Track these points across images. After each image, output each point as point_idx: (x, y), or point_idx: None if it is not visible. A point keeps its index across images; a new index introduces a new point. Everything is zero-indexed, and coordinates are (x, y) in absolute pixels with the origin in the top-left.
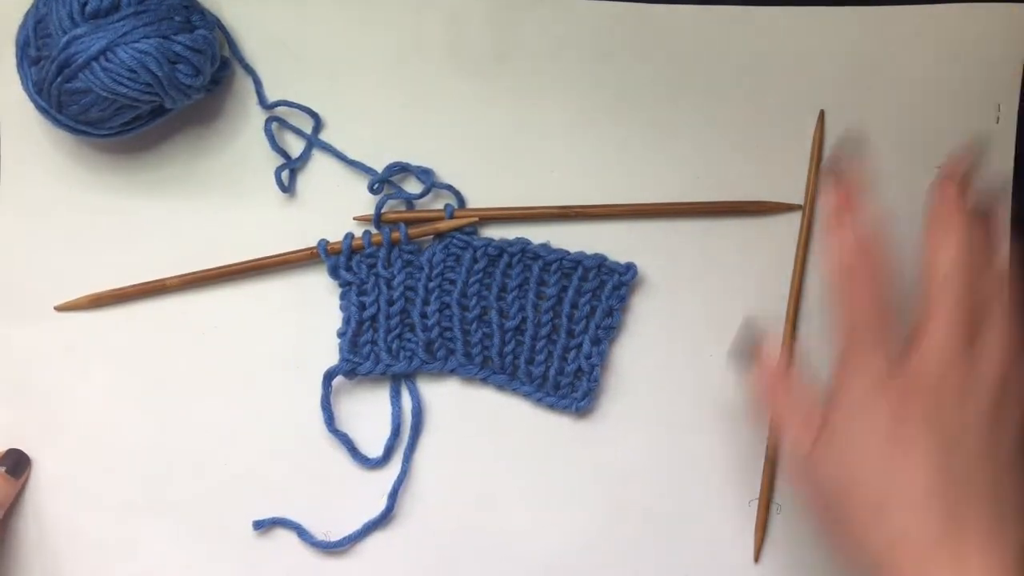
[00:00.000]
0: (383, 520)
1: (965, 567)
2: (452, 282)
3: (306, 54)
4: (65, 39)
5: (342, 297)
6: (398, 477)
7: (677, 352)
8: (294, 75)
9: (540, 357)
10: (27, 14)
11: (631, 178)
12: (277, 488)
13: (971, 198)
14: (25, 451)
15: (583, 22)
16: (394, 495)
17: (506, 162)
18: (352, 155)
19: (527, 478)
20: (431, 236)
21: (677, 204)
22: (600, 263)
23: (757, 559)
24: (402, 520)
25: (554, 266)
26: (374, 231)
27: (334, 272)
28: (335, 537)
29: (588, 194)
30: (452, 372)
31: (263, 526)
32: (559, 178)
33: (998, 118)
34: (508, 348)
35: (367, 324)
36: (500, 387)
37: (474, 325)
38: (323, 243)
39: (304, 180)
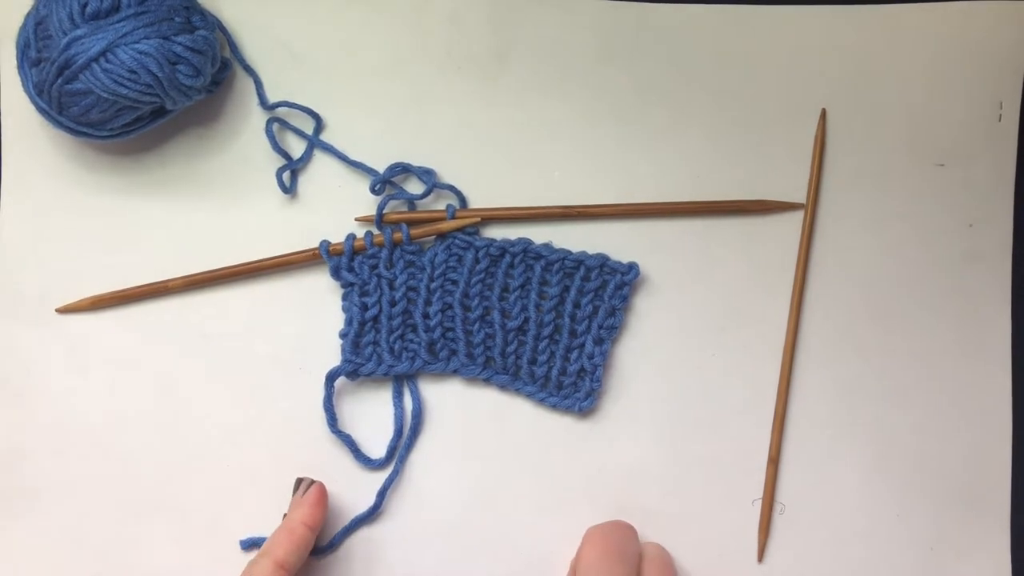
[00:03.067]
0: (370, 517)
1: None
2: (454, 282)
3: (307, 55)
4: (65, 40)
5: (344, 298)
6: (389, 476)
7: (680, 351)
8: (295, 76)
9: (543, 357)
10: (27, 16)
11: (633, 178)
12: (279, 489)
13: None
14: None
15: (583, 22)
16: (383, 493)
17: (508, 162)
18: (353, 156)
19: (530, 478)
20: (433, 236)
21: (679, 204)
22: (602, 263)
23: (760, 559)
24: (404, 520)
25: (556, 266)
26: (376, 232)
27: (336, 273)
28: (324, 538)
29: (590, 194)
30: (455, 373)
31: (248, 546)
32: (561, 178)
33: (1000, 116)
34: (511, 348)
35: (369, 325)
36: (503, 387)
37: (476, 325)
38: (325, 244)
39: (305, 181)
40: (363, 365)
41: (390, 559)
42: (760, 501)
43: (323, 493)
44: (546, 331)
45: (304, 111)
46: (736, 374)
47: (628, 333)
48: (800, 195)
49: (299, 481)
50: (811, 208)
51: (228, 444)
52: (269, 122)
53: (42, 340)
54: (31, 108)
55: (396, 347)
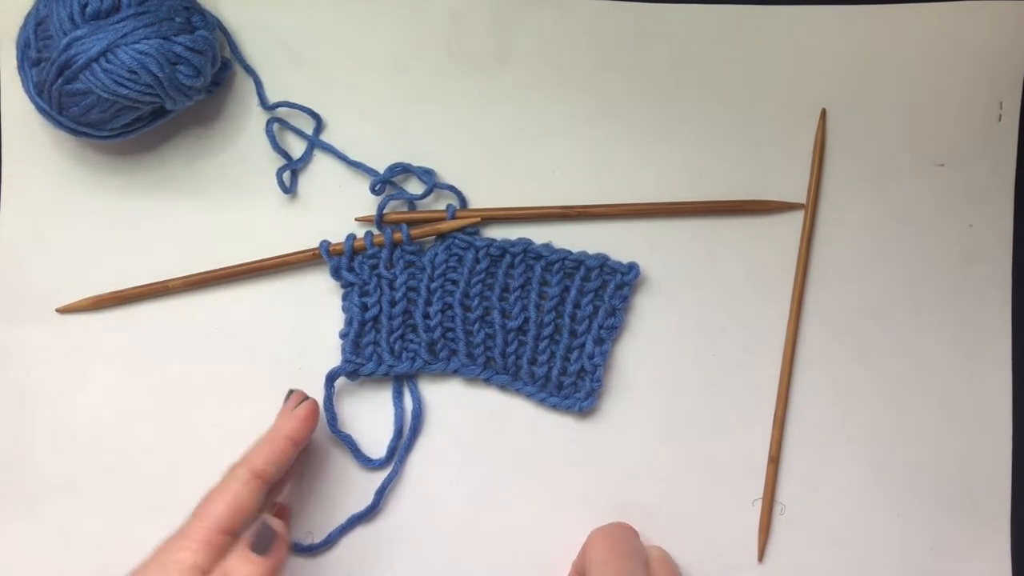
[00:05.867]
0: (367, 516)
1: None
2: (454, 282)
3: (307, 55)
4: (66, 40)
5: (344, 298)
6: (388, 475)
7: (680, 351)
8: (295, 76)
9: (543, 357)
10: (28, 16)
11: (633, 178)
12: None
13: None
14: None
15: (583, 22)
16: (381, 492)
17: (508, 162)
18: (353, 156)
19: (529, 478)
20: (433, 237)
21: (679, 204)
22: (602, 263)
23: (761, 559)
24: (404, 520)
25: (556, 266)
26: (376, 232)
27: (336, 273)
28: (320, 537)
29: (590, 194)
30: (455, 373)
31: None
32: (561, 178)
33: (1000, 116)
34: (511, 348)
35: (369, 325)
36: (503, 387)
37: (476, 326)
38: (325, 244)
39: (305, 181)
40: (363, 365)
41: (389, 559)
42: (760, 501)
43: (314, 411)
44: (546, 331)
45: (304, 111)
46: (736, 374)
47: (628, 333)
48: (800, 195)
49: (291, 392)
50: (811, 208)
51: (228, 444)
52: (269, 122)
53: (42, 340)
54: (31, 108)
55: (396, 347)
